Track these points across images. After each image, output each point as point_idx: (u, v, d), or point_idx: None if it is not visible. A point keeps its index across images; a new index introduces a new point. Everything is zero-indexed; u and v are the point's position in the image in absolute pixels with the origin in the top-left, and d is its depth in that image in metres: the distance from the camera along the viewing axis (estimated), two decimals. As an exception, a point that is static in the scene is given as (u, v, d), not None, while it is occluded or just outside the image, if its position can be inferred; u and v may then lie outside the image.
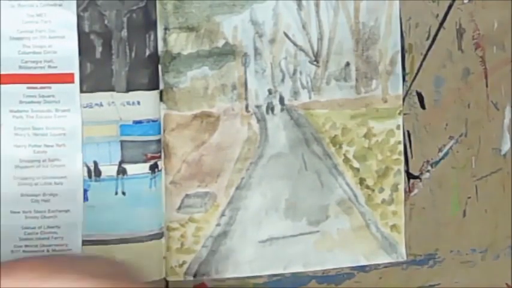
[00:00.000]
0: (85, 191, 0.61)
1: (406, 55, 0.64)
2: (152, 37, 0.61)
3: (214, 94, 0.62)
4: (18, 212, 0.60)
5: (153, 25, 0.61)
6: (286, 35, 0.63)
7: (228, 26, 0.62)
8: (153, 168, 0.61)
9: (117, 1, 0.60)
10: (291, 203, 0.64)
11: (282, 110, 0.63)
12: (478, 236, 0.67)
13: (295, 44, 0.63)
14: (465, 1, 0.65)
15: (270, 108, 0.63)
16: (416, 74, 0.65)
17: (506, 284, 0.67)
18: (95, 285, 0.51)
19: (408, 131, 0.65)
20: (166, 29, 0.61)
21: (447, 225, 0.66)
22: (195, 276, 0.63)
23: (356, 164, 0.64)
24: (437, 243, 0.66)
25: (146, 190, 0.61)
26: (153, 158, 0.61)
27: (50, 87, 0.60)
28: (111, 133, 0.61)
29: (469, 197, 0.66)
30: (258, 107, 0.63)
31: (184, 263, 0.62)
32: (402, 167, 0.65)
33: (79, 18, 0.60)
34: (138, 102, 0.61)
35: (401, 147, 0.65)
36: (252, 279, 0.64)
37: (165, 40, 0.61)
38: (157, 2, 0.61)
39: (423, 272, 0.66)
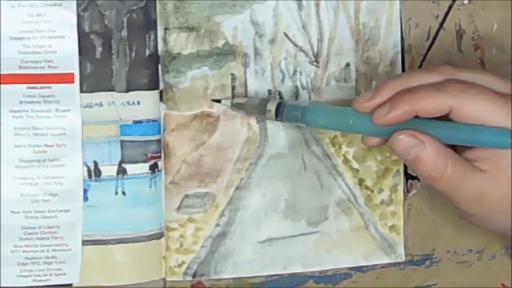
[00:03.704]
0: (85, 191, 0.61)
1: (406, 56, 0.64)
2: (152, 37, 0.61)
3: (214, 94, 0.62)
4: (18, 212, 0.60)
5: (153, 25, 0.61)
6: (286, 35, 0.63)
7: (228, 26, 0.62)
8: (153, 168, 0.61)
9: (117, 1, 0.60)
10: (291, 204, 0.64)
11: (282, 110, 0.63)
12: (474, 237, 0.67)
13: (295, 45, 0.63)
14: (465, 2, 0.65)
15: (270, 108, 0.63)
16: (416, 75, 0.65)
17: (502, 284, 0.67)
18: None
19: (407, 132, 0.65)
20: (166, 29, 0.61)
21: (444, 226, 0.66)
22: (194, 276, 0.63)
23: (355, 165, 0.64)
24: (434, 243, 0.66)
25: (146, 190, 0.61)
26: (153, 158, 0.61)
27: (50, 87, 0.60)
28: (111, 133, 0.61)
29: (467, 197, 0.66)
30: (257, 107, 0.63)
31: (183, 263, 0.62)
32: (401, 168, 0.65)
33: (79, 18, 0.60)
34: (138, 102, 0.61)
35: (400, 148, 0.65)
36: (250, 279, 0.64)
37: (165, 40, 0.61)
38: (157, 2, 0.61)
39: (420, 272, 0.66)
